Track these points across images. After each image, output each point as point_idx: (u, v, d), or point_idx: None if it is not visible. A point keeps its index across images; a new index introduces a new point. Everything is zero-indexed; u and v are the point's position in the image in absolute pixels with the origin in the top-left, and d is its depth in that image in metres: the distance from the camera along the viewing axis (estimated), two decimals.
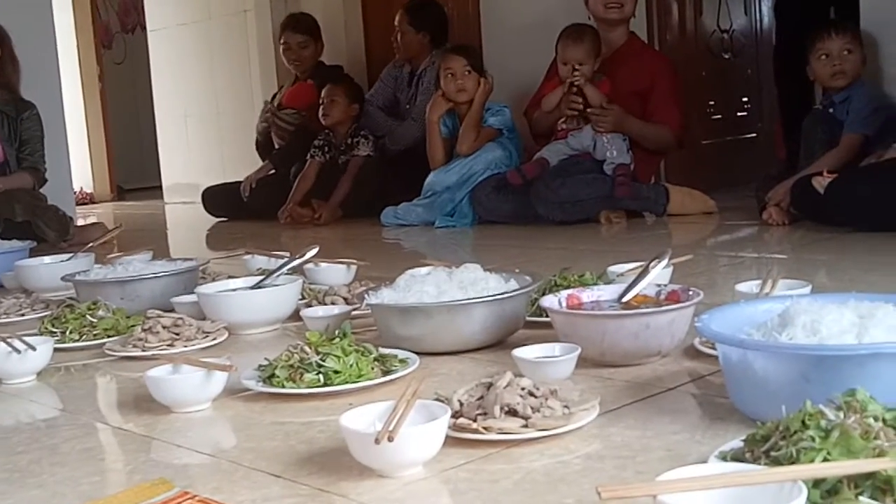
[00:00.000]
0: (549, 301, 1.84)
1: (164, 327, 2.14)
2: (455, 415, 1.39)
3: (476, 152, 4.22)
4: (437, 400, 1.43)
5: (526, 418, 1.39)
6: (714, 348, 1.60)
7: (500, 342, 1.95)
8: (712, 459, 1.15)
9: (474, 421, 1.39)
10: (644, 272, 1.90)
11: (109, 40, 9.18)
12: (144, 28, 7.34)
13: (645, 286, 1.86)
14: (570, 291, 1.91)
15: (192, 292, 2.47)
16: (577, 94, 3.99)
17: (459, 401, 1.44)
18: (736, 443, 1.17)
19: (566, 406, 1.43)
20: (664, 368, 1.72)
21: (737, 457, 1.13)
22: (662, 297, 1.85)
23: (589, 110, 3.98)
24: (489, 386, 1.46)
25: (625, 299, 1.84)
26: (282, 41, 5.47)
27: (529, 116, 4.33)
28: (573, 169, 3.93)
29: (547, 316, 1.93)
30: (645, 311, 1.75)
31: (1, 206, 4.33)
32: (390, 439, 1.22)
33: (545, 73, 4.34)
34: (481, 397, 1.45)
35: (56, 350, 2.09)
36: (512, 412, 1.40)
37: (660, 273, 1.92)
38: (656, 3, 4.71)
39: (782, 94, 4.51)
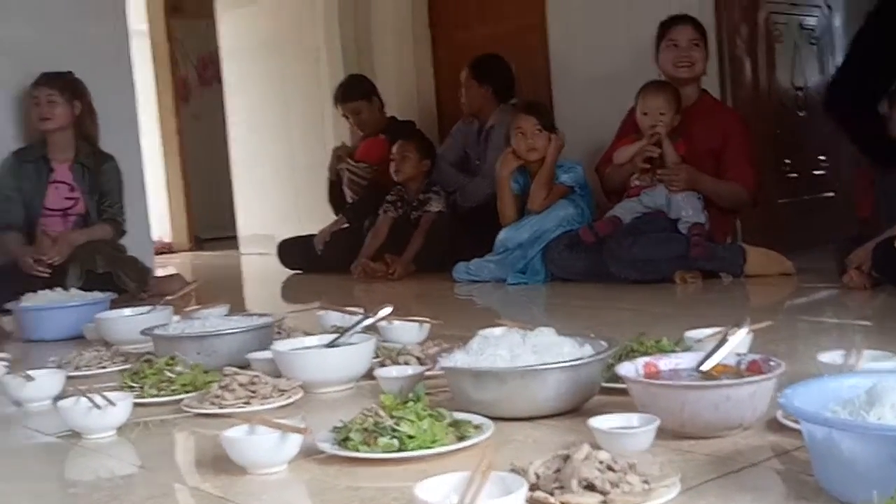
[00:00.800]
0: (626, 369, 1.82)
1: (240, 385, 2.16)
2: (531, 488, 1.38)
3: (547, 209, 4.22)
4: (512, 471, 1.42)
5: (604, 493, 1.37)
6: (797, 422, 1.56)
7: (575, 409, 1.93)
8: None
9: (551, 495, 1.37)
10: (723, 340, 1.86)
11: (187, 94, 9.41)
12: (221, 81, 7.52)
13: (726, 355, 1.83)
14: (647, 359, 1.88)
15: (268, 348, 2.49)
16: (655, 144, 3.98)
17: (536, 473, 1.43)
18: None
19: (646, 481, 1.41)
20: (745, 442, 1.68)
21: None
22: (743, 367, 1.82)
23: (660, 171, 3.96)
24: (566, 458, 1.44)
25: (704, 368, 1.81)
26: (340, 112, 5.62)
27: (601, 173, 4.32)
28: (646, 227, 3.90)
29: (623, 382, 1.91)
30: (726, 382, 1.71)
31: (83, 258, 4.43)
32: None
33: (618, 130, 4.33)
34: (558, 470, 1.43)
35: (135, 405, 2.12)
36: (590, 486, 1.38)
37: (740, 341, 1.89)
38: (729, 60, 4.68)
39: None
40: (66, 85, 4.67)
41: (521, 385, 1.86)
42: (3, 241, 4.60)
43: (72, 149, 4.71)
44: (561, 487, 1.39)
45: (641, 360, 1.87)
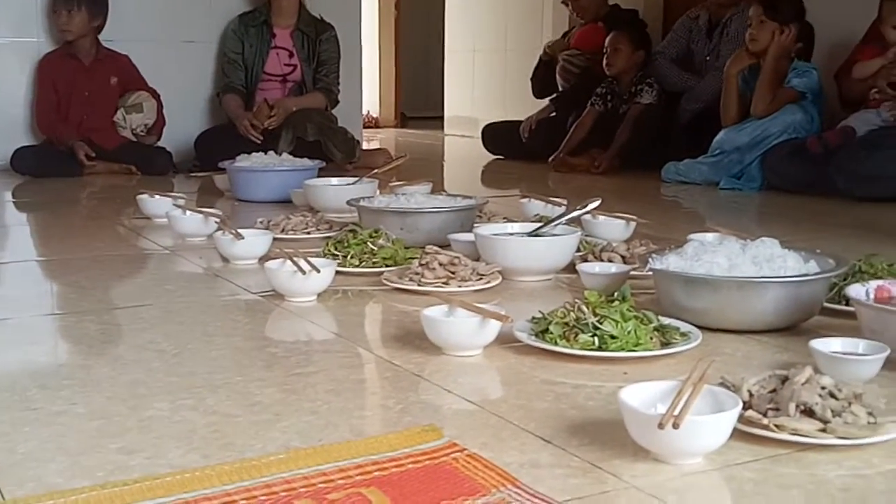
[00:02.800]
0: (856, 291, 1.67)
1: (440, 264, 2.14)
2: (743, 406, 1.28)
3: (774, 114, 3.95)
4: (722, 385, 1.33)
5: (824, 422, 1.26)
6: None
7: (791, 327, 1.80)
8: None
9: (765, 416, 1.28)
10: None
11: None
12: None
13: None
14: (879, 283, 1.73)
15: (470, 230, 2.46)
16: None
17: (749, 391, 1.33)
18: None
19: (871, 414, 1.28)
20: None
21: None
22: None
23: None
24: (784, 379, 1.34)
25: None
26: None
27: (840, 80, 3.99)
28: (882, 141, 3.59)
29: (847, 305, 1.76)
30: None
31: (295, 124, 4.52)
32: (675, 426, 1.13)
33: (863, 36, 3.97)
34: (774, 390, 1.32)
35: (336, 273, 2.14)
36: (808, 412, 1.27)
37: None
38: None
39: None
40: None
41: (738, 296, 1.75)
42: (224, 102, 4.76)
43: (294, 15, 4.78)
44: (776, 409, 1.28)
45: (873, 284, 1.72)
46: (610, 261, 2.26)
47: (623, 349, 1.61)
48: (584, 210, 2.43)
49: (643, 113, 4.68)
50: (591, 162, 4.66)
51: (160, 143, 4.71)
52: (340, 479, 1.14)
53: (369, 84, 8.02)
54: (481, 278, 2.14)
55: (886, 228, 3.14)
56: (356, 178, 3.31)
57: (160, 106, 4.70)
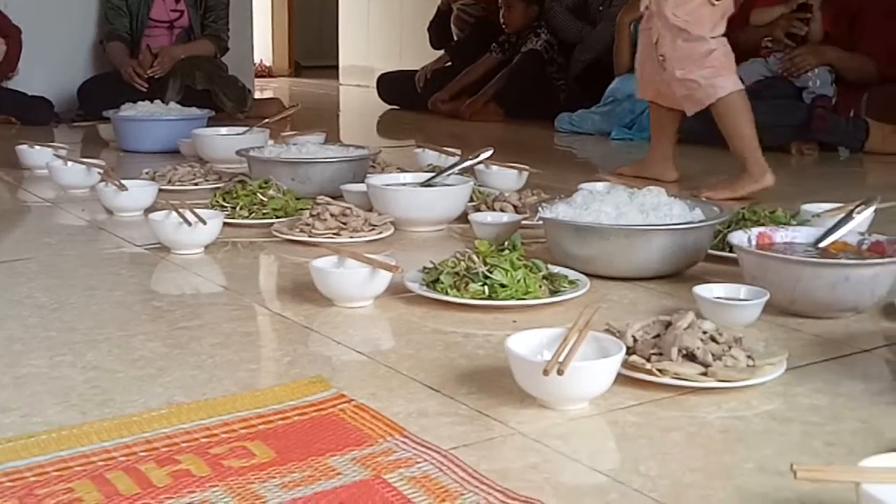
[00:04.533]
0: (738, 238, 1.71)
1: (332, 215, 2.11)
2: (628, 351, 1.30)
3: None
4: (607, 332, 1.35)
5: (706, 365, 1.28)
6: None
7: (677, 273, 1.84)
8: None
9: (648, 360, 1.30)
10: (847, 217, 1.73)
11: None
12: None
13: (846, 233, 1.70)
14: (761, 230, 1.77)
15: (362, 181, 2.43)
16: (802, 7, 3.69)
17: (633, 336, 1.35)
18: None
19: (750, 357, 1.32)
20: (859, 326, 1.57)
21: None
22: (864, 247, 1.69)
23: (795, 54, 3.69)
24: (667, 324, 1.36)
25: (822, 245, 1.69)
26: None
27: (731, 30, 4.04)
28: (767, 92, 3.67)
29: (731, 251, 1.80)
30: (847, 262, 1.60)
31: (183, 73, 4.39)
32: (560, 372, 1.14)
33: None
34: (657, 336, 1.35)
35: (225, 224, 2.09)
36: (690, 356, 1.30)
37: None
38: None
39: None
40: None
41: (625, 244, 1.77)
42: (108, 50, 4.59)
43: None
44: (659, 354, 1.31)
45: (755, 231, 1.76)
46: (502, 210, 2.27)
47: (513, 298, 1.62)
48: (476, 160, 2.43)
49: (524, 59, 4.71)
50: (463, 105, 4.75)
51: (41, 94, 4.50)
52: (224, 433, 1.12)
53: (262, 32, 7.85)
54: (373, 229, 2.12)
55: None
56: (246, 128, 3.24)
57: (16, 45, 4.46)
